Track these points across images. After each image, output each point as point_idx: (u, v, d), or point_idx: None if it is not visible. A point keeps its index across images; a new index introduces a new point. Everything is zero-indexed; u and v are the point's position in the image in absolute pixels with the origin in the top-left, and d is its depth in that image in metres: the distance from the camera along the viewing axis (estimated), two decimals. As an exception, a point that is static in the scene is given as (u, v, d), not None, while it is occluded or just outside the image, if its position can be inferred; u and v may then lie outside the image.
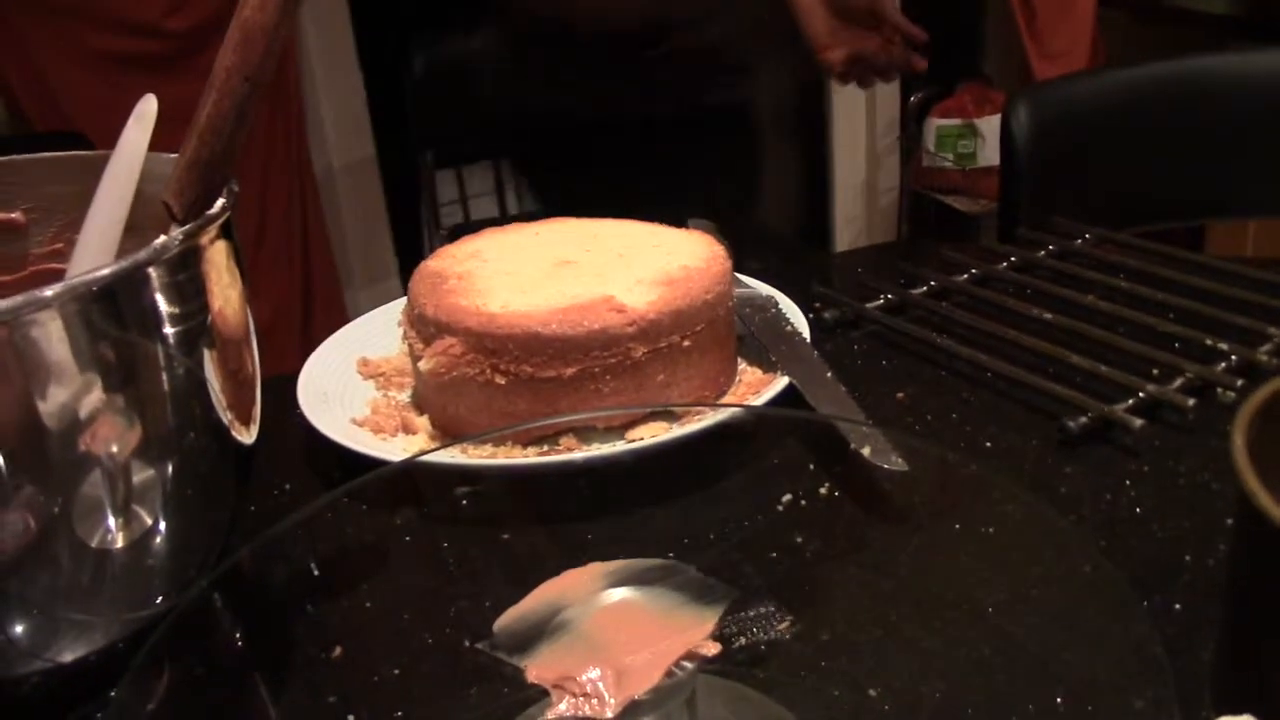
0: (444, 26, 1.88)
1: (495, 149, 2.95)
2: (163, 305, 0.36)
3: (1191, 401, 0.58)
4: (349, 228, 2.04)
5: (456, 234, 2.06)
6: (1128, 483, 0.54)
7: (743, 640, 0.36)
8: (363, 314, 0.72)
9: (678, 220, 0.69)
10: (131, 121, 0.44)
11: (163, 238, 0.36)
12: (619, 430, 0.57)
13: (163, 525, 0.39)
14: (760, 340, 0.63)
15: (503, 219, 3.08)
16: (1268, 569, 0.35)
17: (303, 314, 1.72)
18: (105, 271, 0.33)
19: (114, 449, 0.37)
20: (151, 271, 0.35)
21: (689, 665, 0.33)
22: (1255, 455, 0.38)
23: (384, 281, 2.10)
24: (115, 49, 1.47)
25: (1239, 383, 0.59)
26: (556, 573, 0.44)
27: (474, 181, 3.12)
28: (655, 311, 0.57)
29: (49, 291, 0.32)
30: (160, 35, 1.49)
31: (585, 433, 0.57)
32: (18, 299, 0.31)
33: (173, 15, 1.49)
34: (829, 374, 0.59)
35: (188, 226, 0.36)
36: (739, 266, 0.67)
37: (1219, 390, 0.59)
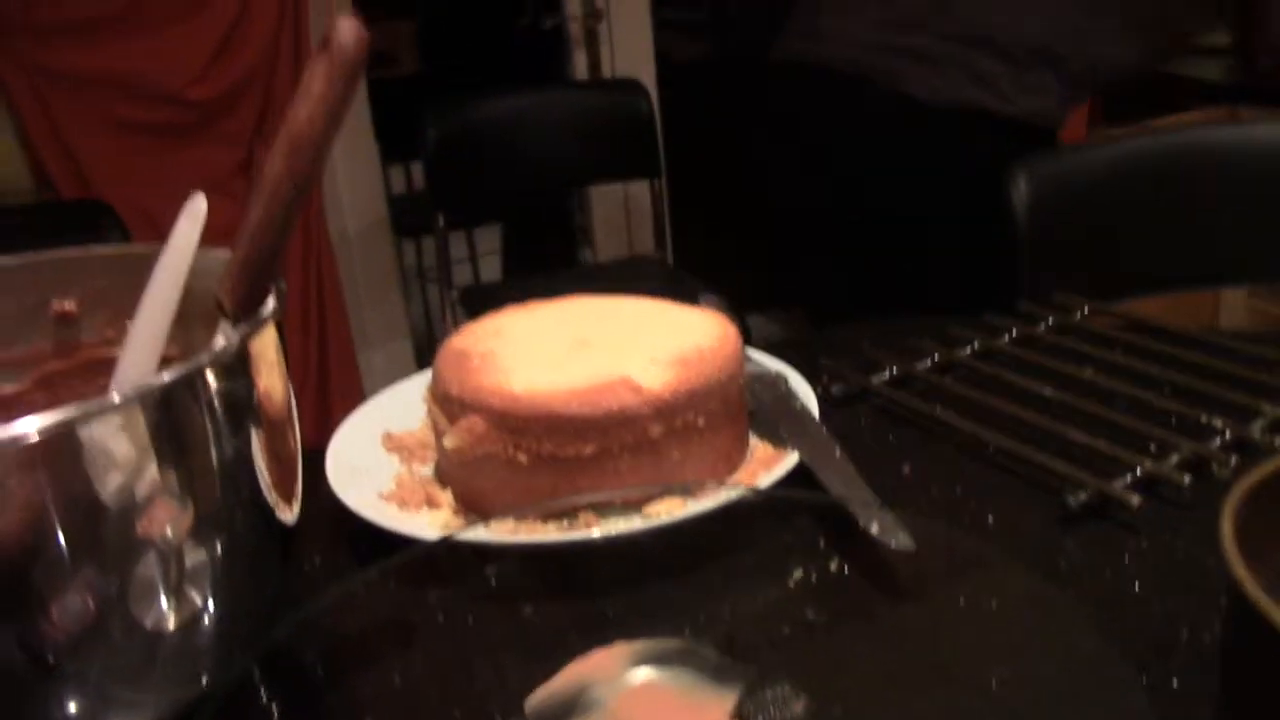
0: (458, 94, 1.93)
1: (502, 210, 3.00)
2: (216, 401, 0.39)
3: (1187, 479, 0.60)
4: (363, 289, 2.08)
5: (468, 295, 2.11)
6: (1126, 559, 0.56)
7: (760, 719, 0.38)
8: (375, 374, 0.75)
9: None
10: (182, 219, 0.47)
11: (221, 341, 0.38)
12: (636, 506, 0.59)
13: (212, 605, 0.41)
14: (770, 416, 0.66)
15: (515, 275, 3.13)
16: (1258, 656, 0.38)
17: (319, 377, 1.76)
18: (168, 377, 0.36)
19: (168, 532, 0.39)
20: (209, 372, 0.38)
21: (710, 743, 0.35)
22: (1245, 539, 0.41)
23: (396, 341, 2.13)
24: (140, 118, 1.52)
25: (1233, 459, 0.61)
26: (577, 648, 0.46)
27: (482, 243, 3.17)
28: (671, 391, 0.59)
29: (116, 398, 0.34)
30: (183, 104, 1.54)
31: (604, 509, 0.59)
32: (90, 404, 0.34)
33: (195, 85, 1.54)
34: (837, 451, 0.61)
35: (243, 328, 0.39)
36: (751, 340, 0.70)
37: (1214, 466, 0.62)
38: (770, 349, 0.75)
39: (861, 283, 1.39)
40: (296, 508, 0.47)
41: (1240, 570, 0.38)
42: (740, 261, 2.04)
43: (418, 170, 2.26)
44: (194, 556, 0.40)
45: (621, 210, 2.64)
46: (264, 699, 0.43)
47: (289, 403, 0.44)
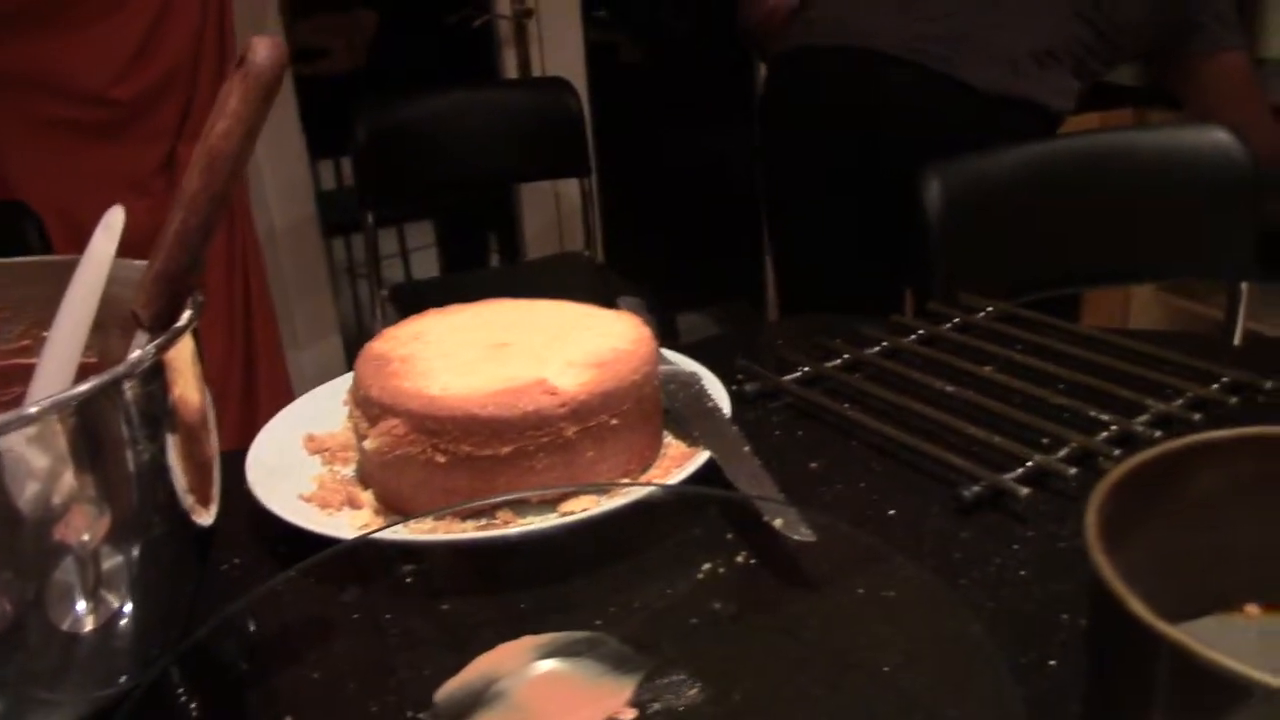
0: (385, 92, 1.93)
1: (435, 207, 3.00)
2: (132, 410, 0.40)
3: (1073, 470, 0.63)
4: (291, 287, 2.07)
5: (398, 293, 2.11)
6: (1015, 547, 0.59)
7: (657, 706, 0.40)
8: (304, 373, 0.76)
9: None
10: (99, 231, 0.48)
11: (137, 353, 0.40)
12: (552, 504, 0.61)
13: (129, 607, 0.43)
14: (684, 416, 0.68)
15: (444, 274, 3.12)
16: (1114, 637, 0.41)
17: (244, 377, 1.75)
18: (85, 387, 0.37)
19: (84, 538, 0.41)
20: (126, 383, 0.39)
21: (609, 729, 0.37)
22: (1108, 530, 0.44)
23: (326, 339, 2.13)
24: (62, 117, 1.50)
25: (1116, 452, 0.65)
26: (493, 642, 0.48)
27: (414, 238, 3.16)
28: (586, 393, 0.61)
29: (34, 409, 0.36)
30: (106, 103, 1.52)
31: (520, 507, 0.61)
32: (7, 415, 0.35)
33: (117, 85, 1.53)
34: (746, 448, 0.64)
35: (159, 340, 0.40)
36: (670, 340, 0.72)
37: (1100, 459, 0.65)
38: (687, 349, 0.77)
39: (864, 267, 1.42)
40: (214, 511, 0.48)
41: (1099, 557, 0.41)
42: (674, 260, 2.06)
43: (349, 166, 2.25)
44: (110, 561, 0.41)
45: (553, 208, 2.65)
46: (184, 697, 0.44)
47: (205, 409, 0.46)
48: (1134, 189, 1.25)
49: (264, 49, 0.43)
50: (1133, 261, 1.29)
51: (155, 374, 0.41)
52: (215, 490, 0.48)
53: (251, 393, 1.72)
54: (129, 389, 0.40)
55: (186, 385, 0.43)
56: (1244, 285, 1.26)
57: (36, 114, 1.48)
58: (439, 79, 2.24)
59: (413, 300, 1.97)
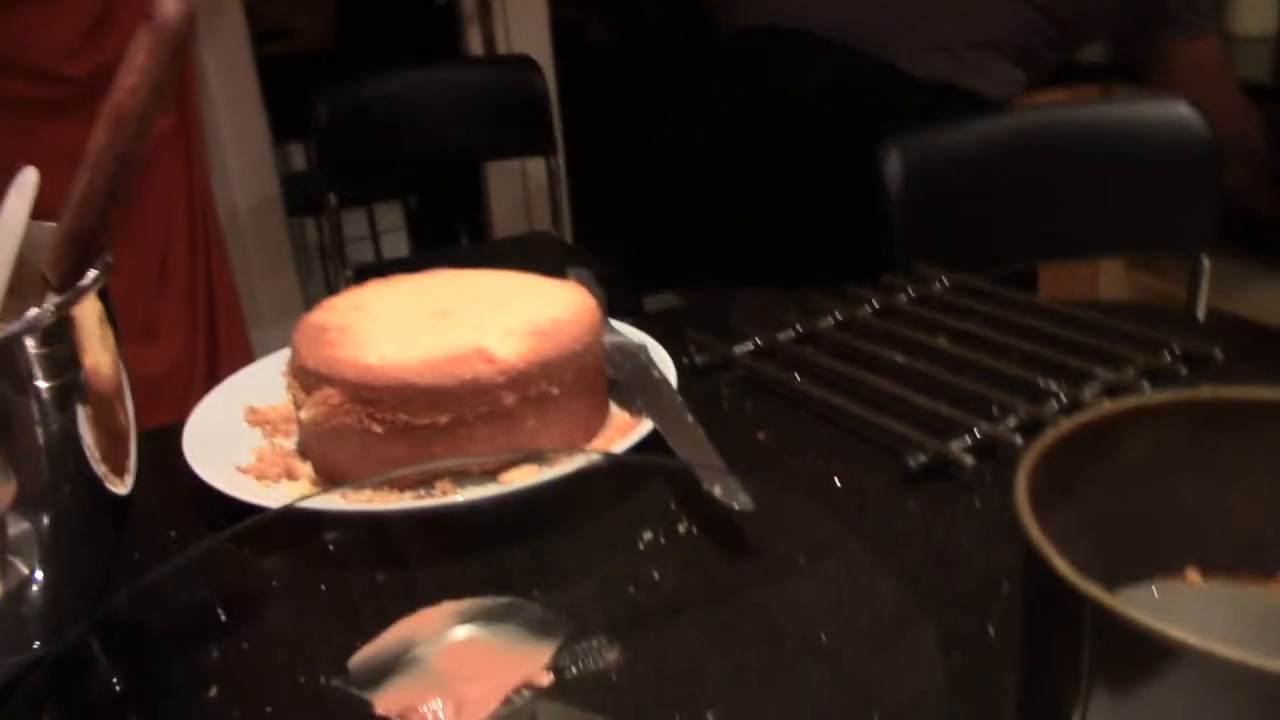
0: (349, 70, 1.91)
1: (401, 187, 2.97)
2: (37, 370, 0.39)
3: (1020, 440, 0.63)
4: (255, 267, 2.05)
5: (363, 274, 2.09)
6: (958, 517, 0.59)
7: (574, 670, 0.40)
8: (269, 352, 0.75)
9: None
10: (12, 192, 0.47)
11: (35, 310, 0.38)
12: (493, 474, 0.60)
13: (38, 575, 0.42)
14: (629, 386, 0.67)
15: (412, 254, 3.10)
16: (1040, 600, 0.40)
17: (208, 354, 1.73)
18: (-23, 344, 0.36)
19: (-10, 504, 0.40)
20: (27, 340, 0.38)
21: (526, 694, 0.37)
22: (1039, 495, 0.43)
23: (291, 319, 2.11)
24: (12, 93, 1.47)
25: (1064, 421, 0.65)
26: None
27: (385, 219, 3.14)
28: (525, 361, 0.60)
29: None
30: (58, 81, 1.50)
31: (460, 477, 0.60)
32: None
33: (70, 61, 1.50)
34: (690, 418, 0.63)
35: (60, 298, 0.39)
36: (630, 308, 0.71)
37: (1048, 429, 0.65)
38: (637, 321, 0.76)
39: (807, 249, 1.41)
40: (130, 480, 0.47)
41: (1028, 518, 0.41)
42: (645, 240, 2.05)
43: (317, 146, 2.23)
44: (17, 527, 0.40)
45: (520, 187, 2.64)
46: (102, 666, 0.43)
47: (119, 375, 0.45)
48: (1096, 163, 1.25)
49: (172, 3, 0.41)
50: (1096, 236, 1.28)
51: (59, 334, 0.40)
52: (131, 459, 0.47)
53: (215, 371, 1.70)
54: (31, 348, 0.38)
55: (95, 348, 0.42)
56: (1205, 260, 1.26)
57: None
58: (405, 57, 2.22)
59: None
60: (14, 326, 0.37)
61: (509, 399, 0.60)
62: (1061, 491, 0.45)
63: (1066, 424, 0.46)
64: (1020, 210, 1.25)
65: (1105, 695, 0.37)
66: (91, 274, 0.42)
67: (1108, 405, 0.48)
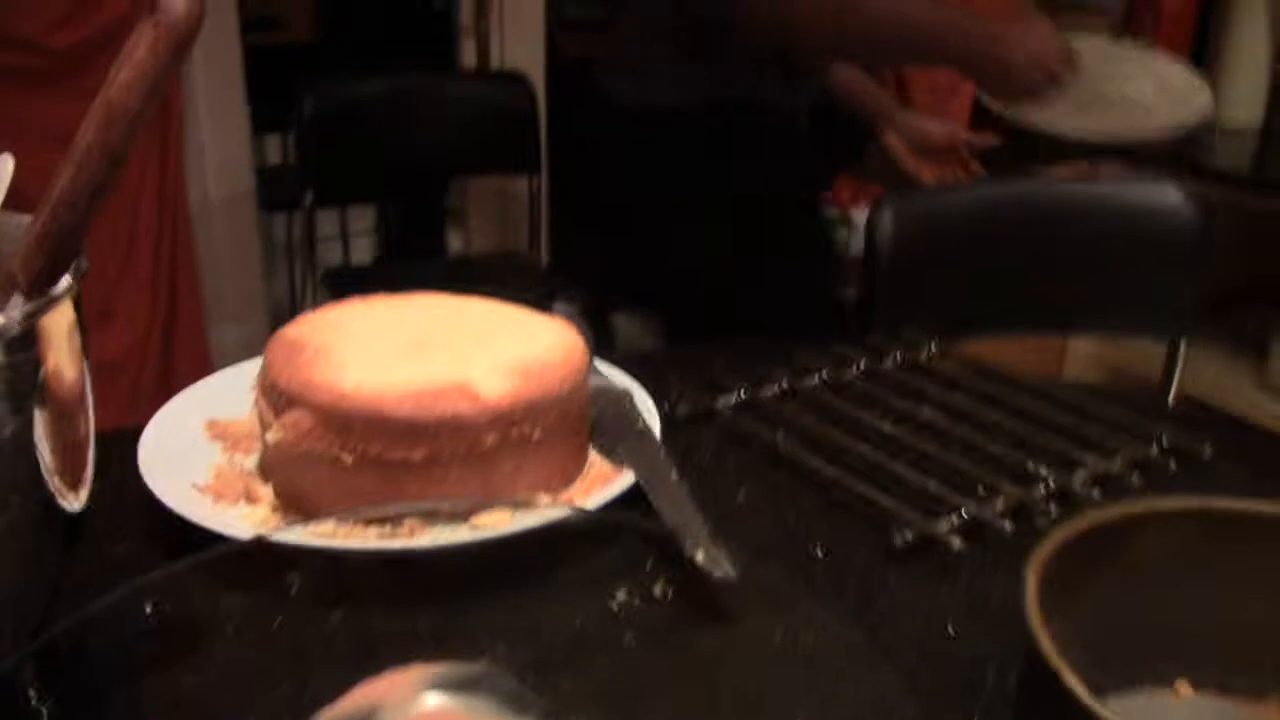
0: (333, 69, 1.87)
1: (378, 192, 2.93)
2: (-4, 380, 0.36)
3: (1008, 525, 0.61)
4: (222, 261, 2.01)
5: (331, 277, 2.05)
6: (944, 598, 0.57)
7: (549, 753, 0.37)
8: (228, 351, 0.72)
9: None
10: (-16, 180, 0.44)
11: (2, 318, 0.36)
12: (463, 517, 0.57)
13: (-25, 598, 0.38)
14: (611, 434, 0.65)
15: (386, 259, 3.06)
16: (1046, 711, 0.38)
17: (163, 345, 1.68)
18: (-66, 350, 0.33)
19: (-72, 518, 0.36)
20: (-14, 348, 0.35)
21: (497, 776, 0.34)
22: (1047, 595, 0.41)
23: (254, 320, 2.06)
24: (-3, 62, 1.43)
25: (1053, 509, 0.63)
26: (386, 660, 0.45)
27: (355, 221, 3.09)
28: (509, 402, 0.58)
29: None
30: (42, 51, 1.45)
31: (430, 517, 0.57)
32: None
33: (55, 32, 1.46)
34: (673, 474, 0.61)
35: (31, 306, 0.36)
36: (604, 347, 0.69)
37: (1036, 515, 0.63)
38: (621, 363, 0.74)
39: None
40: (84, 494, 0.44)
41: (1037, 628, 0.39)
42: (608, 260, 2.02)
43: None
44: (-44, 545, 0.37)
45: (499, 203, 2.61)
46: (34, 699, 0.40)
47: (82, 385, 0.42)
48: (1083, 241, 1.25)
49: (181, 1, 0.39)
50: (1076, 313, 1.28)
51: (25, 343, 0.37)
52: (88, 472, 0.44)
53: (169, 370, 1.66)
54: (-8, 357, 0.35)
55: (61, 358, 0.39)
56: (1183, 345, 1.26)
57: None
58: (396, 57, 2.19)
59: (347, 285, 1.92)
60: (-25, 333, 0.34)
61: (489, 439, 0.57)
62: (1066, 592, 0.43)
63: (1076, 523, 0.45)
64: (1003, 280, 1.25)
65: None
66: (65, 281, 0.39)
67: (1118, 506, 0.46)
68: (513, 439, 0.58)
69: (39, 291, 0.39)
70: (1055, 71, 1.21)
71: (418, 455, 0.56)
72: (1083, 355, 2.12)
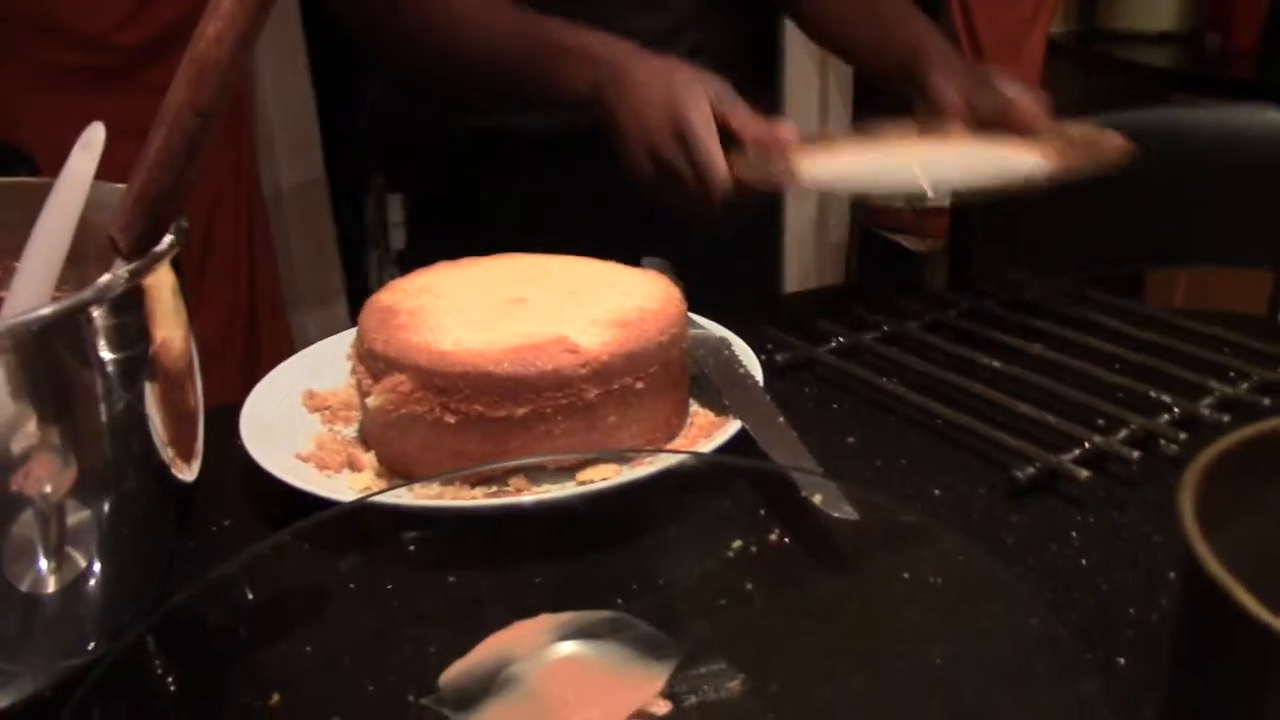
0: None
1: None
2: (103, 344, 0.35)
3: (1136, 454, 0.58)
4: (296, 249, 2.02)
5: (404, 258, 2.05)
6: (1073, 534, 0.54)
7: (694, 699, 0.36)
8: (308, 337, 0.71)
9: (630, 257, 0.69)
10: (77, 149, 0.43)
11: (107, 276, 0.35)
12: (569, 472, 0.56)
13: (97, 568, 0.38)
14: (713, 383, 0.63)
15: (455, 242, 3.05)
16: (1214, 635, 0.36)
17: (246, 335, 1.70)
18: (46, 311, 0.32)
19: (48, 489, 0.36)
20: (94, 311, 0.34)
21: (638, 724, 0.33)
22: (1203, 515, 0.39)
23: (331, 305, 2.07)
24: (65, 62, 1.45)
25: (1181, 436, 0.60)
26: (502, 618, 0.43)
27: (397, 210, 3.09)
28: (609, 353, 0.56)
29: (-14, 332, 0.31)
30: (110, 50, 1.47)
31: (535, 474, 0.56)
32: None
33: (123, 30, 1.47)
34: (780, 419, 0.59)
35: (133, 265, 0.36)
36: (693, 306, 0.67)
37: (1162, 443, 0.60)
38: (714, 314, 0.72)
39: None
40: (196, 466, 0.43)
41: (1200, 544, 0.36)
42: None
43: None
44: (76, 516, 0.36)
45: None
46: (159, 670, 0.39)
47: (189, 352, 0.41)
48: (1182, 167, 1.20)
49: (264, -58, 0.37)
50: (1183, 245, 1.23)
51: (130, 305, 0.36)
52: (199, 444, 0.43)
53: (253, 353, 1.67)
54: (99, 319, 0.35)
55: (167, 322, 0.38)
56: (1289, 271, 1.21)
57: (39, 58, 1.43)
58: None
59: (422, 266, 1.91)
60: (82, 294, 0.34)
61: (591, 393, 0.56)
62: (1221, 517, 0.40)
63: (1229, 440, 0.42)
64: (1103, 214, 1.20)
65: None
66: (167, 239, 0.38)
67: (1271, 421, 0.43)
68: (615, 392, 0.57)
69: (141, 254, 0.38)
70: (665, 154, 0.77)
71: (520, 412, 0.55)
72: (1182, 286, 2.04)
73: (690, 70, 0.79)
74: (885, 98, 1.18)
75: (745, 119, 0.78)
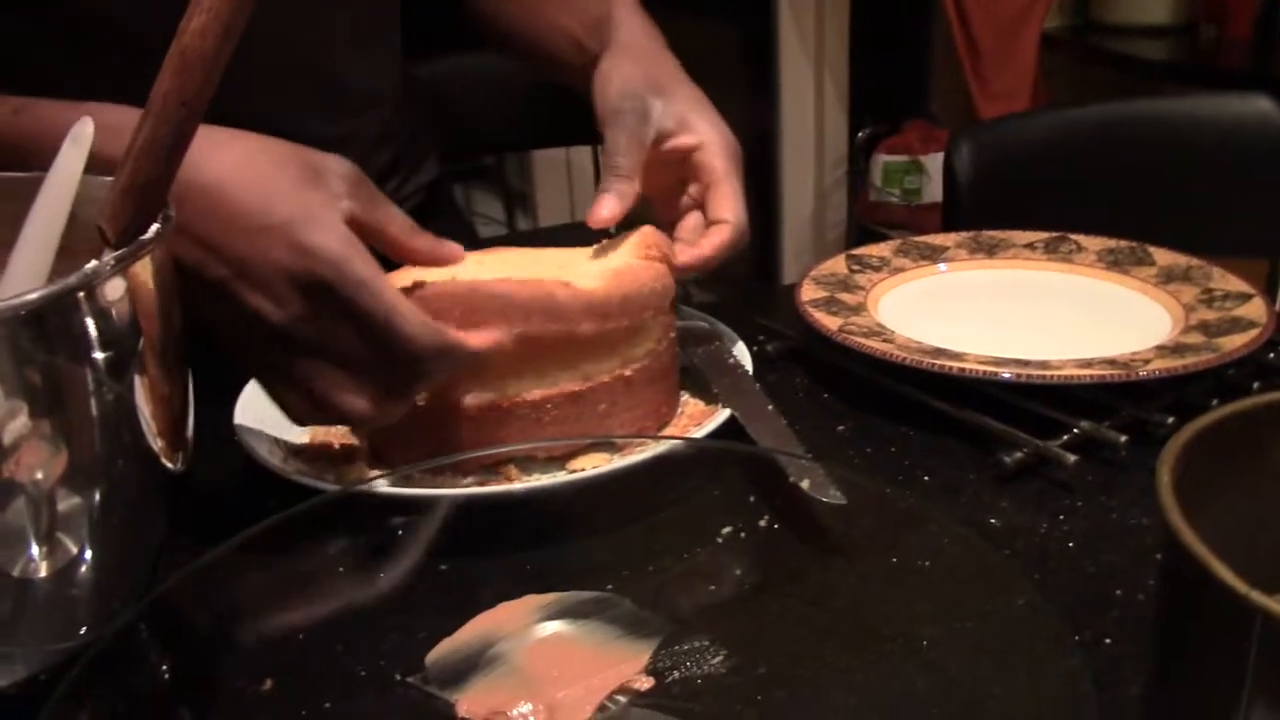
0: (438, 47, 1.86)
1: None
2: (92, 331, 0.36)
3: (1123, 438, 0.59)
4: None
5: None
6: (1061, 517, 0.55)
7: (676, 674, 0.36)
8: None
9: None
10: (67, 143, 0.43)
11: (94, 262, 0.35)
12: (560, 460, 0.57)
13: (88, 554, 0.38)
14: (702, 372, 0.64)
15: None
16: (1192, 607, 0.36)
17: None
18: (33, 296, 0.33)
19: (38, 476, 0.36)
20: (81, 296, 0.35)
21: (622, 699, 0.33)
22: (1181, 491, 0.39)
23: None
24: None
25: (1169, 420, 0.60)
26: (493, 604, 0.44)
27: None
28: (604, 292, 0.57)
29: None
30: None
31: (526, 462, 0.57)
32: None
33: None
34: (770, 407, 0.59)
35: (120, 252, 0.36)
36: (685, 299, 0.68)
37: (1152, 427, 0.61)
38: (704, 306, 0.73)
39: None
40: (186, 456, 0.43)
41: (1178, 520, 0.37)
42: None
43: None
44: (67, 502, 0.37)
45: (564, 176, 2.60)
46: (151, 654, 0.40)
47: (180, 342, 0.41)
48: (1173, 158, 1.20)
49: (247, -65, 0.38)
50: (1166, 233, 1.23)
51: (117, 293, 0.36)
52: (189, 433, 0.44)
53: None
54: (86, 307, 0.35)
55: (157, 311, 0.39)
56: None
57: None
58: (452, 36, 2.18)
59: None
60: (69, 280, 0.34)
61: (585, 327, 0.56)
62: (1200, 493, 0.41)
63: (1206, 418, 0.42)
64: (1094, 206, 1.20)
65: (1270, 713, 0.33)
66: (154, 228, 0.38)
67: (1247, 400, 0.44)
68: (608, 333, 0.57)
69: (128, 243, 0.38)
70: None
71: (510, 340, 0.54)
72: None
73: (300, 163, 0.51)
74: (885, 99, 1.21)
75: (402, 228, 0.55)
